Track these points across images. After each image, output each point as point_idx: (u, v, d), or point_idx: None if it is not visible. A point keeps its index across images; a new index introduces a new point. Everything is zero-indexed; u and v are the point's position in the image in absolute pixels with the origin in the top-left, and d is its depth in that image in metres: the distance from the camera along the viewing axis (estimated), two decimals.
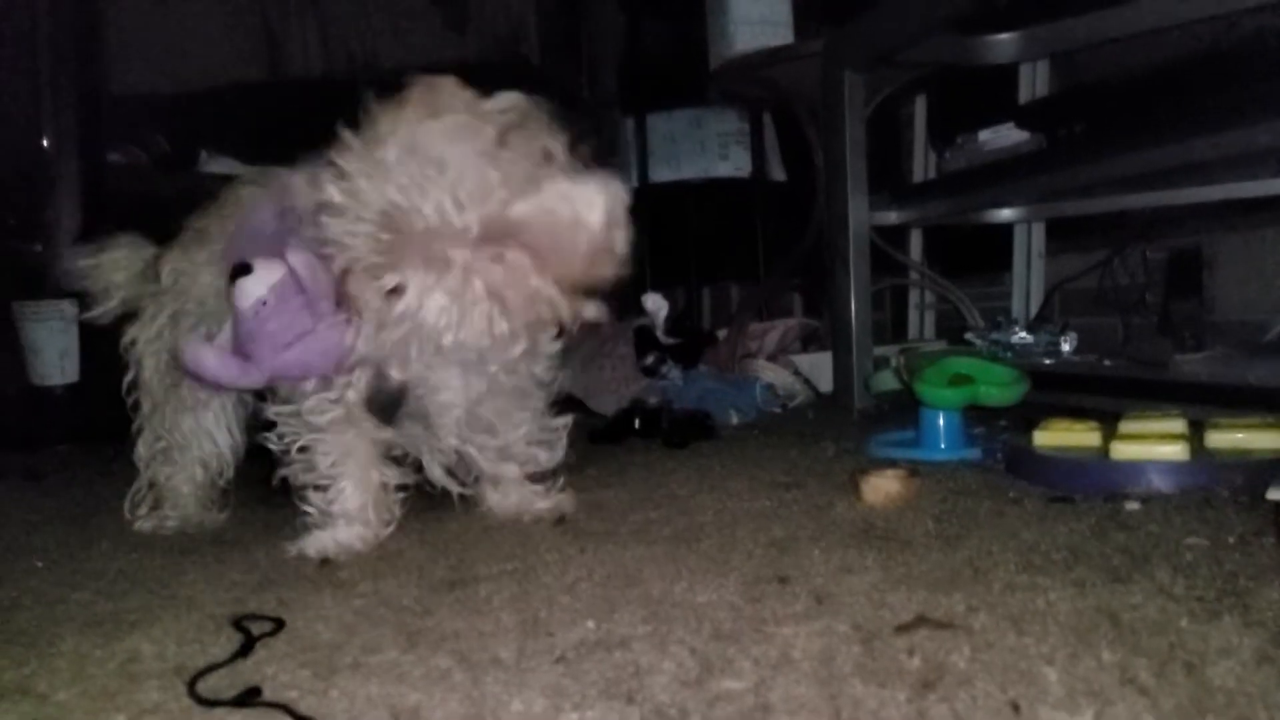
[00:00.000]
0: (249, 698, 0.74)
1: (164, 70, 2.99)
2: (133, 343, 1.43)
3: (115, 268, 1.48)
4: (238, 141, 2.80)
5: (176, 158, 2.80)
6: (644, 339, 2.53)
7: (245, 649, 0.85)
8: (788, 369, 2.51)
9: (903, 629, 0.80)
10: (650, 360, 2.46)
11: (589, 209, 1.04)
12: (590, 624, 0.86)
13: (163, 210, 1.46)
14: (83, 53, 2.55)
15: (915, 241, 3.08)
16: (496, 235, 1.04)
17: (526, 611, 0.91)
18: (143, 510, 1.43)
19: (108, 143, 2.64)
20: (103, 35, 2.70)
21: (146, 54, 2.98)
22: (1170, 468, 1.23)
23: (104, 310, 1.47)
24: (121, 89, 2.85)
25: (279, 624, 0.91)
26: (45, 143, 2.48)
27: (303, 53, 3.29)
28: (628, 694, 0.71)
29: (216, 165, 2.81)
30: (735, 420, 2.19)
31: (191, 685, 0.77)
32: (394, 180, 1.01)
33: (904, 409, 1.89)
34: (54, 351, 2.42)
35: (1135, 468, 1.24)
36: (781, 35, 2.59)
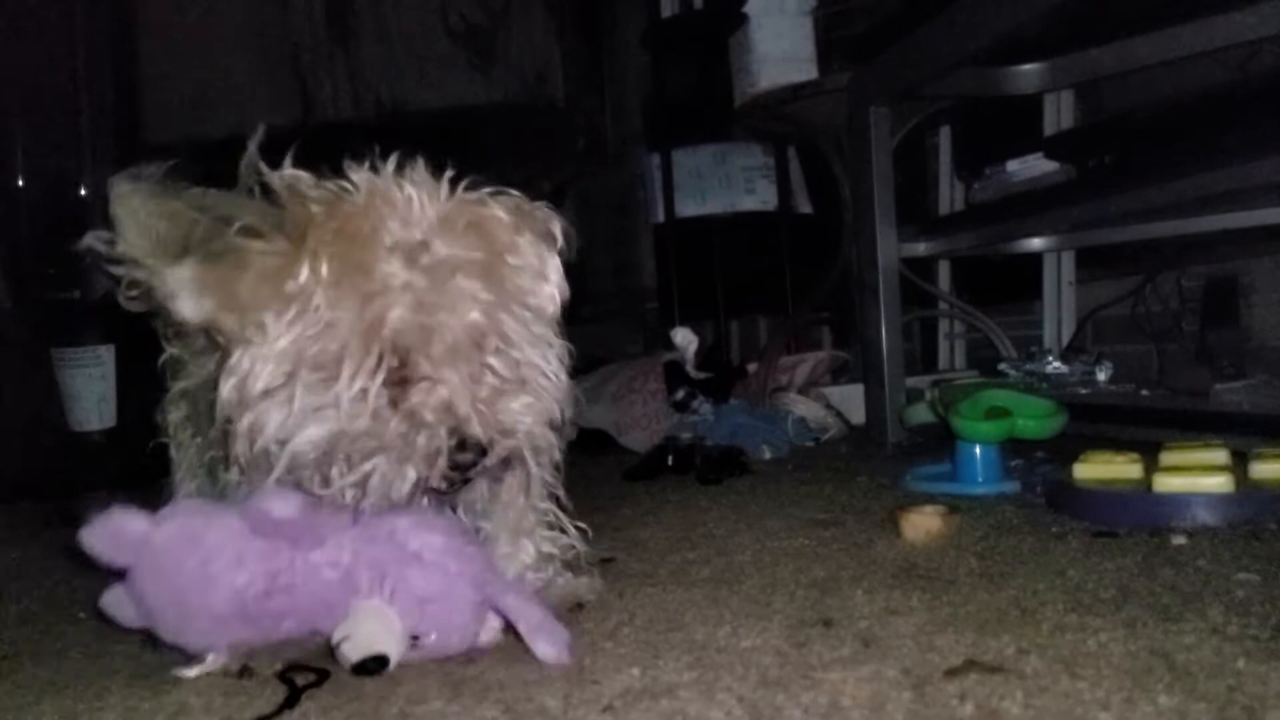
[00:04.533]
0: None
1: (198, 118, 3.04)
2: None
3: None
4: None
5: None
6: (674, 374, 2.53)
7: (291, 701, 0.85)
8: (819, 402, 2.50)
9: (952, 673, 0.79)
10: (681, 395, 2.46)
11: None
12: (635, 671, 0.85)
13: None
14: (120, 103, 2.60)
15: (943, 271, 3.07)
16: None
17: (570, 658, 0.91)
18: None
19: None
20: (139, 85, 2.76)
21: (181, 102, 3.04)
22: (1216, 500, 1.21)
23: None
24: (157, 137, 2.90)
25: (323, 674, 0.91)
26: (83, 192, 2.53)
27: (333, 98, 3.35)
28: None
29: None
30: (768, 455, 2.18)
31: None
32: None
33: (938, 441, 1.88)
34: (92, 397, 2.46)
35: (1180, 501, 1.23)
36: (805, 71, 2.60)
